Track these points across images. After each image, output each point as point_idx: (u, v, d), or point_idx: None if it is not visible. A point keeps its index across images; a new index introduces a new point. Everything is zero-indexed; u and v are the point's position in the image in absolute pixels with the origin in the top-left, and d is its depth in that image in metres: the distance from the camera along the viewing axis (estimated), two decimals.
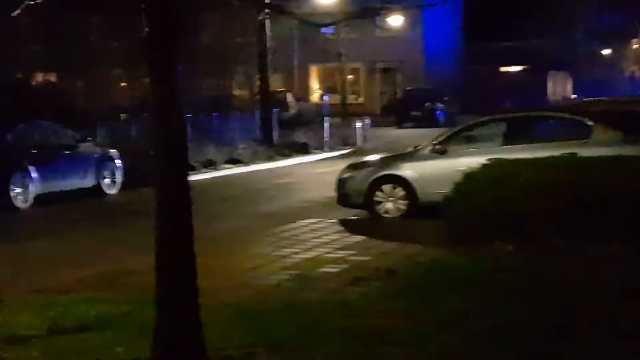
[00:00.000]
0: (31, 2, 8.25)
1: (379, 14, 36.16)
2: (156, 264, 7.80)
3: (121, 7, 10.85)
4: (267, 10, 28.42)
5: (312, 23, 14.57)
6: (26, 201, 20.71)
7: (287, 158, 32.31)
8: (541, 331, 8.69)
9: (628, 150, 14.47)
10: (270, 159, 31.49)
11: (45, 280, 12.19)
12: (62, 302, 10.57)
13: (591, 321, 8.83)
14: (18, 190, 20.55)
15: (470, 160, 14.89)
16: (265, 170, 29.35)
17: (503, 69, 55.51)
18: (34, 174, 21.00)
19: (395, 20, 44.48)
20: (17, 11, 8.17)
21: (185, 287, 7.76)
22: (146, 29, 7.61)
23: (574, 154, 14.49)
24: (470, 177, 13.86)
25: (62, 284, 11.87)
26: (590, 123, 16.39)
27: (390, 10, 39.54)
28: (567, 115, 17.75)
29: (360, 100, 59.23)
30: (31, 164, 21.01)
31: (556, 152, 14.59)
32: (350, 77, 56.00)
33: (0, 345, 8.87)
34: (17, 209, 20.16)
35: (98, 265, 13.27)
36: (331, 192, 17.89)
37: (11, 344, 8.89)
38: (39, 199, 21.02)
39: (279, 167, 30.12)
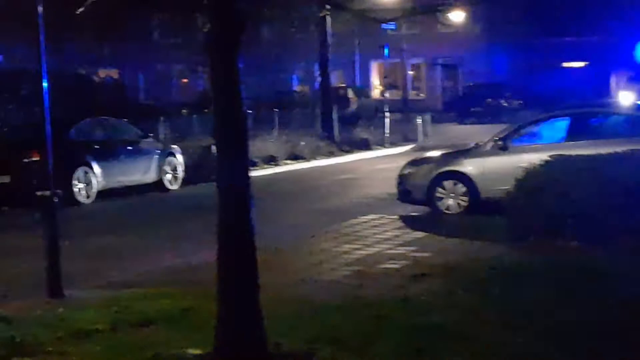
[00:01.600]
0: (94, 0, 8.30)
1: (439, 10, 36.16)
2: (218, 259, 7.83)
3: (182, 4, 10.90)
4: (327, 6, 28.40)
5: (373, 19, 14.45)
6: (88, 196, 20.92)
7: (348, 154, 32.28)
8: (605, 331, 8.57)
9: None
10: (331, 154, 31.48)
11: (109, 275, 12.33)
12: (125, 297, 10.67)
13: None
14: (81, 185, 20.76)
15: (532, 157, 14.73)
16: (326, 166, 29.34)
17: (566, 64, 54.79)
18: (96, 170, 21.20)
19: (457, 16, 44.14)
20: (81, 9, 8.24)
21: (246, 282, 7.78)
22: (209, 26, 7.62)
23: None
24: (532, 174, 13.73)
25: (125, 279, 11.99)
26: None
27: (451, 6, 39.44)
28: (631, 111, 17.53)
29: (422, 96, 59.05)
30: (94, 160, 21.21)
31: (620, 149, 14.37)
32: (411, 72, 55.79)
33: (65, 339, 8.97)
34: (80, 203, 20.35)
35: (161, 260, 13.40)
36: (392, 189, 17.85)
37: (76, 339, 8.98)
38: (102, 194, 21.22)
39: (340, 163, 30.11)
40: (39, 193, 11.50)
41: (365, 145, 33.99)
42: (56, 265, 11.01)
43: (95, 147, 21.60)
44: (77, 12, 8.40)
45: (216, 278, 7.87)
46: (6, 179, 19.87)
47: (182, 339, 8.66)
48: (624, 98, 36.35)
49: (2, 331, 9.22)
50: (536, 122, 17.65)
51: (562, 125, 16.81)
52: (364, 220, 16.52)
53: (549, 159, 14.20)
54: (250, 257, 7.80)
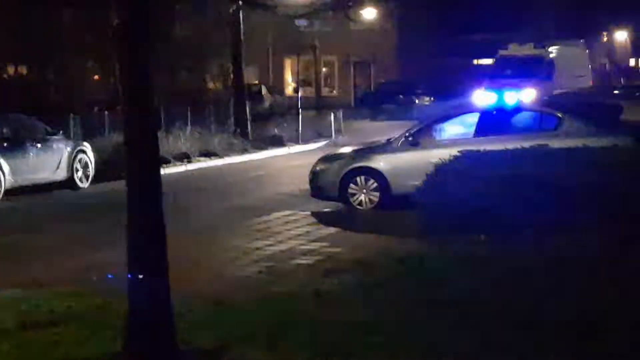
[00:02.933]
0: None
1: (349, 7, 36.45)
2: (128, 257, 7.78)
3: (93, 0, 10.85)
4: (240, 2, 28.36)
5: (287, 15, 14.53)
6: None
7: (262, 151, 32.22)
8: (515, 320, 8.67)
9: (595, 142, 14.59)
10: (244, 151, 31.41)
11: (17, 274, 12.14)
12: (35, 295, 10.54)
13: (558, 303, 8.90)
14: None
15: (442, 152, 14.89)
16: (239, 163, 29.33)
17: (476, 61, 55.50)
18: (4, 167, 20.84)
19: (369, 14, 44.44)
20: None
21: (156, 280, 7.73)
22: (116, 21, 7.55)
23: (545, 145, 14.54)
24: (442, 169, 13.87)
25: (34, 277, 11.82)
26: (559, 115, 16.53)
27: (362, 4, 39.71)
28: (537, 108, 17.82)
29: (335, 93, 59.19)
30: (1, 156, 20.85)
31: (527, 144, 14.64)
32: (324, 69, 56.00)
33: None
34: None
35: (71, 259, 13.24)
36: (305, 185, 17.92)
37: None
38: (10, 192, 20.84)
39: (254, 160, 30.10)
40: None
41: (279, 142, 33.98)
42: None
43: (3, 144, 21.24)
44: None
45: (128, 275, 7.82)
46: None
47: (92, 338, 8.60)
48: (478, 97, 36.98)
49: None
50: (446, 118, 17.83)
51: (471, 121, 17.02)
52: (277, 216, 16.57)
53: (458, 154, 14.38)
54: (160, 254, 7.76)
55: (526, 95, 30.69)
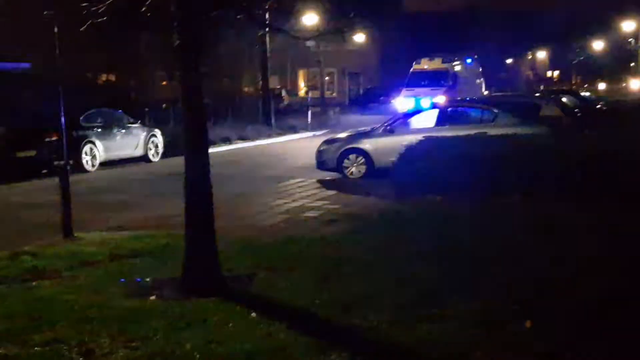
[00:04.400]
0: (97, 20, 8.20)
1: (345, 32, 36.13)
2: (185, 209, 7.85)
3: (161, 25, 10.85)
4: (267, 28, 28.23)
5: (299, 37, 14.48)
6: (93, 166, 20.75)
7: (281, 136, 32.24)
8: (449, 246, 8.76)
9: (520, 130, 14.64)
10: (269, 136, 31.46)
11: (108, 221, 12.26)
12: (119, 237, 10.63)
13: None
14: (87, 157, 20.58)
15: (411, 137, 14.91)
16: (265, 145, 29.33)
17: None
18: (99, 146, 21.02)
19: (359, 37, 44.29)
20: (83, 27, 8.12)
21: (205, 226, 7.81)
22: (177, 42, 7.58)
23: (484, 132, 14.55)
24: (410, 149, 13.91)
25: (120, 224, 11.93)
26: (495, 111, 16.53)
27: (354, 30, 39.41)
28: (479, 106, 17.80)
29: (334, 95, 59.11)
30: (97, 138, 21.05)
31: (472, 131, 14.67)
32: (327, 78, 55.84)
33: (75, 267, 8.93)
34: (87, 171, 20.18)
35: (146, 211, 13.33)
36: (312, 160, 17.90)
37: (83, 266, 8.95)
38: (103, 164, 21.06)
39: (276, 143, 30.07)
40: (56, 163, 11.37)
41: (293, 130, 34.05)
42: (68, 215, 10.93)
43: (98, 129, 21.40)
44: (81, 30, 8.22)
45: (184, 223, 7.89)
46: (32, 153, 19.63)
47: (161, 267, 8.70)
48: (398, 102, 36.46)
49: (28, 262, 9.16)
50: (413, 113, 17.85)
51: (431, 115, 17.02)
52: (293, 182, 16.57)
53: (422, 139, 14.41)
54: (208, 207, 7.83)
55: (436, 101, 30.06)
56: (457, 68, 38.16)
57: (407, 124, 17.10)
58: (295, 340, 6.16)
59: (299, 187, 15.87)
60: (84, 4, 8.10)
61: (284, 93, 49.28)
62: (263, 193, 15.10)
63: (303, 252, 9.21)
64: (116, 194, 15.83)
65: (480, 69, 40.74)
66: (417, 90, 35.47)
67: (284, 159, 22.50)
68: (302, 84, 58.31)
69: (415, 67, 38.90)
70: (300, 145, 27.37)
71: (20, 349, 6.12)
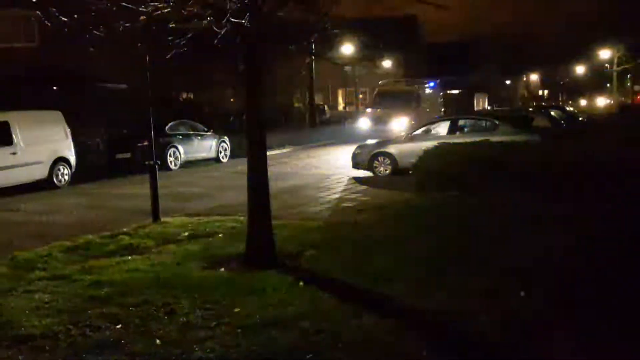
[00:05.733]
0: (179, 50, 8.25)
1: (374, 59, 36.19)
2: (248, 199, 7.85)
3: (230, 53, 10.95)
4: (313, 56, 28.31)
5: (338, 63, 14.48)
6: (176, 165, 20.90)
7: (324, 142, 32.04)
8: (461, 232, 8.64)
9: (517, 138, 14.41)
10: (314, 142, 31.26)
11: (187, 209, 12.34)
12: (196, 221, 10.68)
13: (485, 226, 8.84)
14: (171, 158, 20.75)
15: (428, 143, 14.76)
16: (311, 149, 29.13)
17: (449, 91, 54.62)
18: (180, 149, 21.18)
19: (386, 63, 44.08)
20: (169, 55, 8.19)
21: (263, 212, 7.81)
22: (241, 67, 7.60)
23: (487, 139, 14.34)
24: (427, 153, 13.77)
25: (197, 211, 12.00)
26: (497, 122, 16.32)
27: (383, 57, 39.24)
28: (483, 118, 17.57)
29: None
30: (179, 143, 21.22)
31: (477, 139, 14.47)
32: (361, 95, 55.57)
33: (161, 244, 9.00)
34: (171, 169, 20.32)
35: (217, 200, 13.40)
36: (348, 162, 17.83)
37: (167, 244, 9.02)
38: (183, 164, 21.20)
39: (319, 148, 29.91)
40: (147, 163, 11.48)
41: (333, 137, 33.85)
42: (156, 203, 11.03)
43: (180, 136, 21.57)
44: (167, 57, 8.28)
45: (247, 210, 7.91)
46: (128, 155, 19.87)
47: (228, 244, 8.73)
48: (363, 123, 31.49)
49: (125, 241, 9.26)
50: (431, 123, 17.66)
51: (445, 125, 16.84)
52: (333, 179, 16.52)
53: (437, 144, 14.25)
54: (265, 197, 7.83)
55: (401, 120, 27.65)
56: (421, 91, 32.00)
57: (424, 133, 16.92)
58: (334, 305, 6.13)
59: (337, 183, 15.80)
60: (169, 37, 8.16)
61: (326, 108, 49.19)
62: (309, 187, 15.07)
63: (341, 235, 9.16)
64: (193, 187, 15.93)
65: (441, 93, 34.16)
66: (382, 110, 29.87)
67: (325, 161, 22.42)
68: (341, 100, 58.14)
69: (380, 88, 32.50)
70: (339, 149, 27.20)
71: (118, 309, 6.20)
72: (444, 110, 32.28)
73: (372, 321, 5.66)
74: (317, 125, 34.92)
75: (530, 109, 27.88)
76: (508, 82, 69.66)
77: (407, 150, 16.10)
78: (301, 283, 6.81)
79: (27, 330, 5.65)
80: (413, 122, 25.50)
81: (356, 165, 17.30)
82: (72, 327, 5.71)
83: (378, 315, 5.79)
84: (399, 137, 17.32)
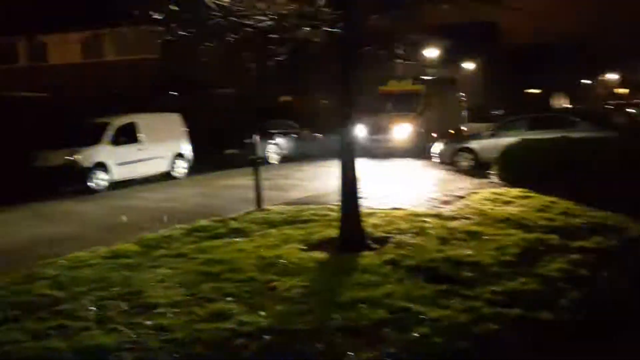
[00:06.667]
0: (278, 58, 8.44)
1: (457, 62, 35.35)
2: (341, 190, 7.93)
3: (326, 60, 11.11)
4: (402, 60, 27.95)
5: (426, 66, 14.40)
6: (277, 160, 21.25)
7: None
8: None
9: (595, 133, 13.76)
10: None
11: (286, 198, 12.54)
12: (294, 208, 10.69)
13: None
14: (272, 154, 21.07)
15: (510, 139, 14.30)
16: None
17: (527, 91, 52.13)
18: (281, 145, 21.48)
19: (469, 65, 42.91)
20: (271, 63, 8.41)
21: (353, 201, 7.87)
22: (336, 72, 7.69)
23: (568, 135, 13.74)
24: (509, 148, 13.37)
25: (294, 200, 12.18)
26: (577, 119, 15.67)
27: (465, 60, 38.28)
28: (563, 115, 16.90)
29: None
30: (279, 140, 21.51)
31: (558, 134, 13.89)
32: None
33: (264, 227, 9.16)
34: (272, 163, 20.66)
35: (312, 190, 13.52)
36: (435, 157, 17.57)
37: (269, 228, 9.18)
38: (284, 158, 21.50)
39: None
40: (251, 157, 11.78)
41: None
42: (259, 193, 11.30)
43: (279, 134, 21.88)
44: (269, 64, 8.51)
45: (340, 199, 7.98)
46: (236, 151, 20.44)
47: (323, 229, 8.76)
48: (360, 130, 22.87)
49: (233, 225, 9.54)
50: (512, 120, 17.15)
51: (525, 122, 16.32)
52: (418, 172, 16.34)
53: (518, 140, 13.82)
54: (355, 188, 7.88)
55: (403, 128, 20.81)
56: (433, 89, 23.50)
57: (506, 129, 16.41)
58: (421, 286, 6.10)
59: (423, 176, 15.61)
60: (270, 46, 8.38)
61: None
62: (411, 182, 14.84)
63: (426, 223, 8.98)
64: (290, 179, 16.15)
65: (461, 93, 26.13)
66: (381, 114, 21.71)
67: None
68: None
69: (381, 89, 23.50)
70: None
71: (228, 284, 6.43)
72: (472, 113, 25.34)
73: (456, 303, 5.59)
74: None
75: (609, 107, 26.48)
76: (586, 81, 66.32)
77: (488, 146, 15.69)
78: (388, 265, 6.82)
79: (153, 299, 5.99)
80: (419, 130, 20.76)
81: (439, 160, 17.08)
82: (190, 298, 6.00)
83: (462, 297, 5.72)
84: (481, 134, 17.02)
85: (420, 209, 10.27)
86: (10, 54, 31.97)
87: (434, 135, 20.01)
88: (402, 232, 8.38)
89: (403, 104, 21.79)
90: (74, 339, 5.07)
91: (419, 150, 19.56)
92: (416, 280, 6.27)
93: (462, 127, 22.56)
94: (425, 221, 9.04)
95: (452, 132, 20.53)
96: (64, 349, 4.85)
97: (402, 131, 20.94)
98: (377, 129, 20.94)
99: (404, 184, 13.96)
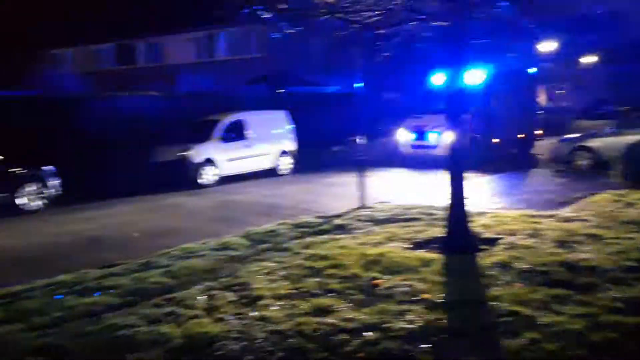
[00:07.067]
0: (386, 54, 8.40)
1: (575, 56, 33.14)
2: (449, 187, 7.78)
3: (432, 54, 10.96)
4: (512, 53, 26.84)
5: (545, 61, 13.82)
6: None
7: None
8: None
9: None
10: None
11: (390, 195, 12.33)
12: (399, 207, 10.62)
13: None
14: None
15: (631, 137, 13.38)
16: None
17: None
18: None
19: (586, 59, 40.48)
20: (380, 59, 8.43)
21: (460, 201, 7.71)
22: (446, 66, 7.50)
23: None
24: (631, 146, 12.51)
25: (398, 197, 11.99)
26: None
27: (583, 54, 36.08)
28: None
29: (568, 104, 54.72)
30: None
31: None
32: (563, 91, 51.85)
33: (368, 226, 9.12)
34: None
35: (415, 188, 13.22)
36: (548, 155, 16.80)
37: (373, 226, 9.10)
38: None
39: None
40: (356, 155, 11.75)
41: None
42: (363, 190, 11.32)
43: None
44: (378, 61, 8.52)
45: (449, 198, 7.82)
46: (343, 149, 19.94)
47: (429, 228, 8.66)
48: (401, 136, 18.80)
49: (335, 222, 9.63)
50: (638, 117, 16.14)
51: None
52: (532, 171, 15.73)
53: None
54: (461, 188, 7.72)
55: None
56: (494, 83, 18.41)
57: (629, 126, 15.36)
58: (532, 290, 5.85)
59: (543, 175, 14.96)
60: (379, 43, 8.40)
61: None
62: (518, 179, 14.42)
63: (539, 224, 8.65)
64: (395, 178, 15.98)
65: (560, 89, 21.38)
66: (427, 118, 17.54)
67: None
68: (542, 96, 54.82)
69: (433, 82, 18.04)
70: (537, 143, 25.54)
71: (331, 279, 6.50)
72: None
73: (571, 309, 5.31)
74: None
75: None
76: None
77: (610, 144, 14.77)
78: (497, 267, 6.60)
79: (259, 291, 6.18)
80: (468, 135, 15.69)
81: (555, 159, 16.30)
82: (294, 292, 6.13)
83: (575, 303, 5.43)
84: (600, 131, 16.04)
85: (534, 210, 9.88)
86: (130, 56, 34.22)
87: (496, 141, 17.49)
88: (513, 233, 8.12)
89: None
90: (184, 326, 5.33)
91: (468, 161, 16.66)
92: (527, 283, 6.03)
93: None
94: (538, 222, 8.72)
95: (523, 136, 18.80)
96: (175, 335, 5.12)
97: (445, 136, 15.34)
98: (419, 135, 17.78)
99: (512, 184, 13.46)
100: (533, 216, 9.24)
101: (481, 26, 8.04)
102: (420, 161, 16.96)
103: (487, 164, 15.84)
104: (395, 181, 14.93)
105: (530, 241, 7.65)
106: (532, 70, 20.08)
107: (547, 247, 7.28)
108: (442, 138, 16.09)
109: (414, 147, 17.86)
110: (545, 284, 5.96)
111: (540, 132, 19.84)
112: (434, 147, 17.07)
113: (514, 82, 18.59)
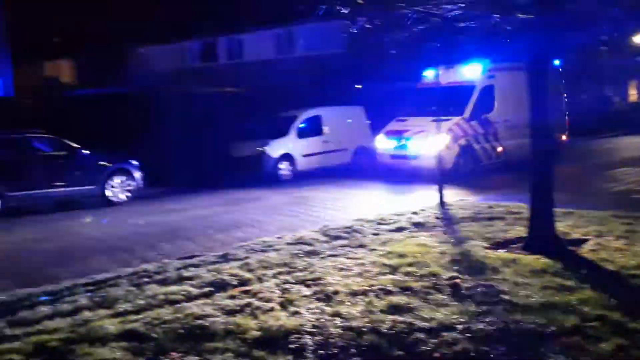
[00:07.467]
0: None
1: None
2: (532, 185, 7.56)
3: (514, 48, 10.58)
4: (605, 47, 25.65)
5: (635, 55, 13.01)
6: None
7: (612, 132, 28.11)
8: None
9: None
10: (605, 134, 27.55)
11: (470, 193, 12.12)
12: (478, 205, 10.46)
13: None
14: None
15: None
16: (602, 140, 26.02)
17: None
18: None
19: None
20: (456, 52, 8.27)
21: (546, 198, 7.47)
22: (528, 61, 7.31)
23: None
24: None
25: (478, 195, 11.75)
26: None
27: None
28: None
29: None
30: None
31: None
32: None
33: (446, 224, 9.01)
34: None
35: (496, 184, 12.96)
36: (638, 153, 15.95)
37: (451, 224, 8.98)
38: None
39: (611, 139, 26.70)
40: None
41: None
42: (441, 189, 11.17)
43: None
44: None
45: (530, 197, 7.60)
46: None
47: (510, 228, 8.49)
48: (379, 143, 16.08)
49: (414, 219, 9.49)
50: None
51: None
52: (620, 170, 14.71)
53: None
54: (549, 185, 7.46)
55: (437, 140, 12.57)
56: (498, 79, 15.57)
57: None
58: (621, 294, 5.60)
59: (626, 174, 14.20)
60: (458, 35, 8.24)
61: (617, 99, 44.26)
62: (596, 177, 13.82)
63: (631, 226, 8.23)
64: (477, 174, 15.64)
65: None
66: (411, 122, 15.26)
67: (617, 152, 20.22)
68: (630, 91, 52.05)
69: (423, 81, 16.17)
70: (633, 141, 24.24)
71: (407, 277, 6.44)
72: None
73: None
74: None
75: None
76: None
77: None
78: (584, 270, 6.35)
79: (333, 287, 6.22)
80: (462, 143, 14.45)
81: None
82: (369, 288, 6.14)
83: None
84: None
85: (625, 211, 9.40)
86: (212, 53, 35.23)
87: (499, 150, 15.15)
88: (602, 234, 7.79)
89: (450, 104, 14.31)
90: (260, 318, 5.46)
91: (460, 174, 13.98)
92: (616, 287, 5.76)
93: None
94: (630, 224, 8.28)
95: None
96: (251, 327, 5.25)
97: (428, 144, 13.84)
98: (399, 140, 14.94)
99: (600, 183, 12.87)
100: (623, 217, 8.82)
101: (566, 18, 7.72)
102: (398, 174, 14.54)
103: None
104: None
105: (620, 243, 7.32)
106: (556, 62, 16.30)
107: (638, 249, 6.93)
108: (424, 146, 13.78)
109: (393, 157, 14.93)
110: (635, 288, 5.67)
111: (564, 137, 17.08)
112: (414, 157, 14.27)
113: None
